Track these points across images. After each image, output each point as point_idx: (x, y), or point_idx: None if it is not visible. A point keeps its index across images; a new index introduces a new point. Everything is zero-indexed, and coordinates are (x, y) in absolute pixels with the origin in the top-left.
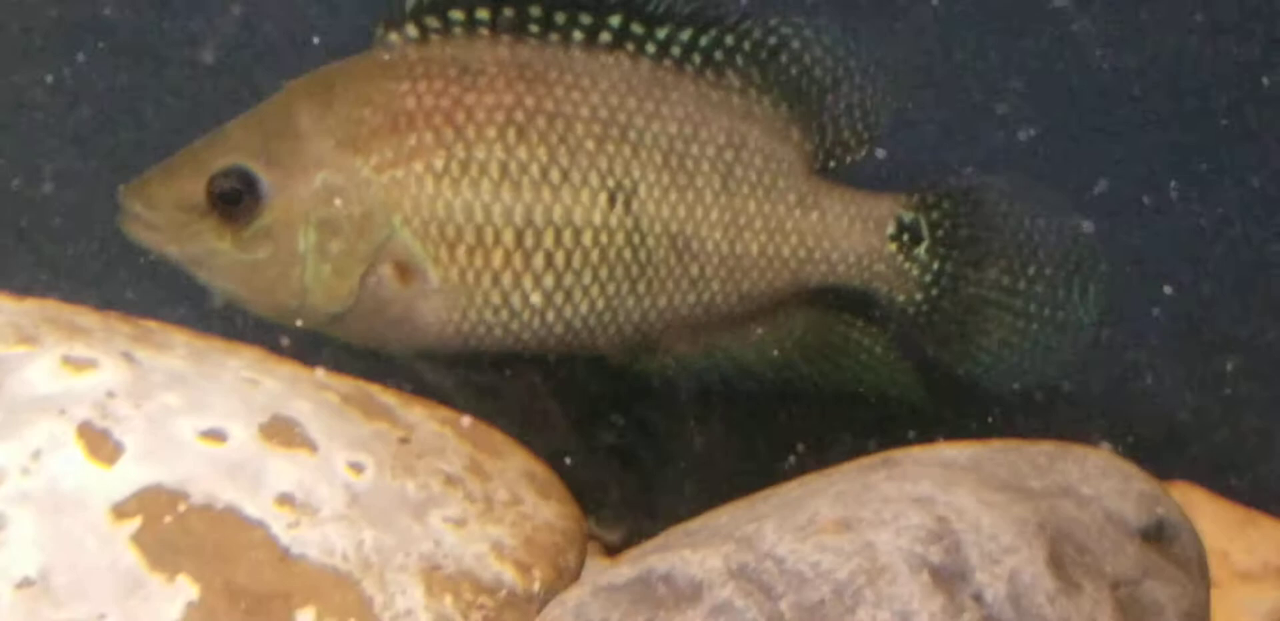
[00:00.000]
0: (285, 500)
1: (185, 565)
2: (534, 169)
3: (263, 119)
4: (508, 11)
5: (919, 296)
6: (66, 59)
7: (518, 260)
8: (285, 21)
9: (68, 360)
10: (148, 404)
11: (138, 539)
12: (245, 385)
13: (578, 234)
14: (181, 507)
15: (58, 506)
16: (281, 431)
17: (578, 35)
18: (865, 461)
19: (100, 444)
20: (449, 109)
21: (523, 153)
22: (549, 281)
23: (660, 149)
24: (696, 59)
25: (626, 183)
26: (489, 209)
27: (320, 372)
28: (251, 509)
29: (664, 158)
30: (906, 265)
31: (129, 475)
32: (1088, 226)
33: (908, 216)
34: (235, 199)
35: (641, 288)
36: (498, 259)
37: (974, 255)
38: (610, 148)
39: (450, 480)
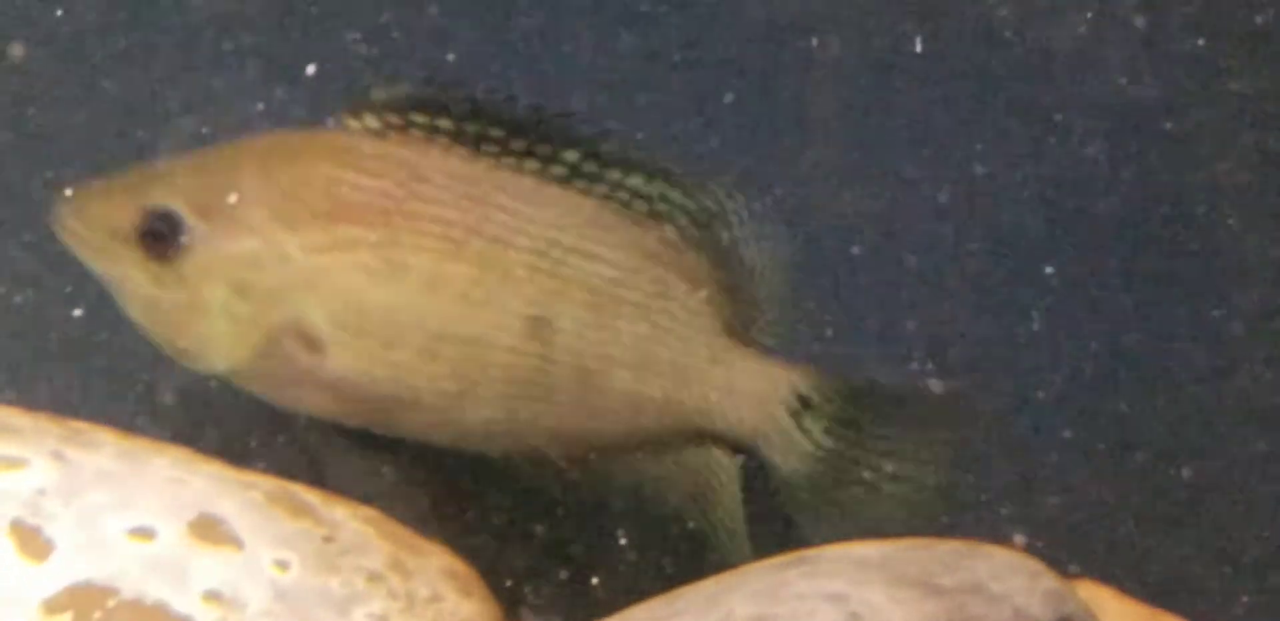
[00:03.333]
0: (212, 596)
1: None
2: (458, 284)
3: (208, 169)
4: (469, 126)
5: (800, 466)
6: None
7: (421, 362)
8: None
9: None
10: (77, 502)
11: None
12: (172, 484)
13: (486, 351)
14: (111, 603)
15: None
16: (209, 529)
17: (531, 164)
18: (780, 559)
19: (31, 540)
20: (390, 211)
21: (450, 268)
22: (448, 386)
23: (587, 288)
24: (640, 207)
25: (546, 314)
26: (404, 312)
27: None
28: (179, 605)
29: (588, 296)
30: (796, 436)
31: (59, 571)
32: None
33: (810, 392)
34: (161, 238)
35: (540, 408)
36: (402, 357)
37: (859, 438)
38: (538, 279)
39: (373, 577)
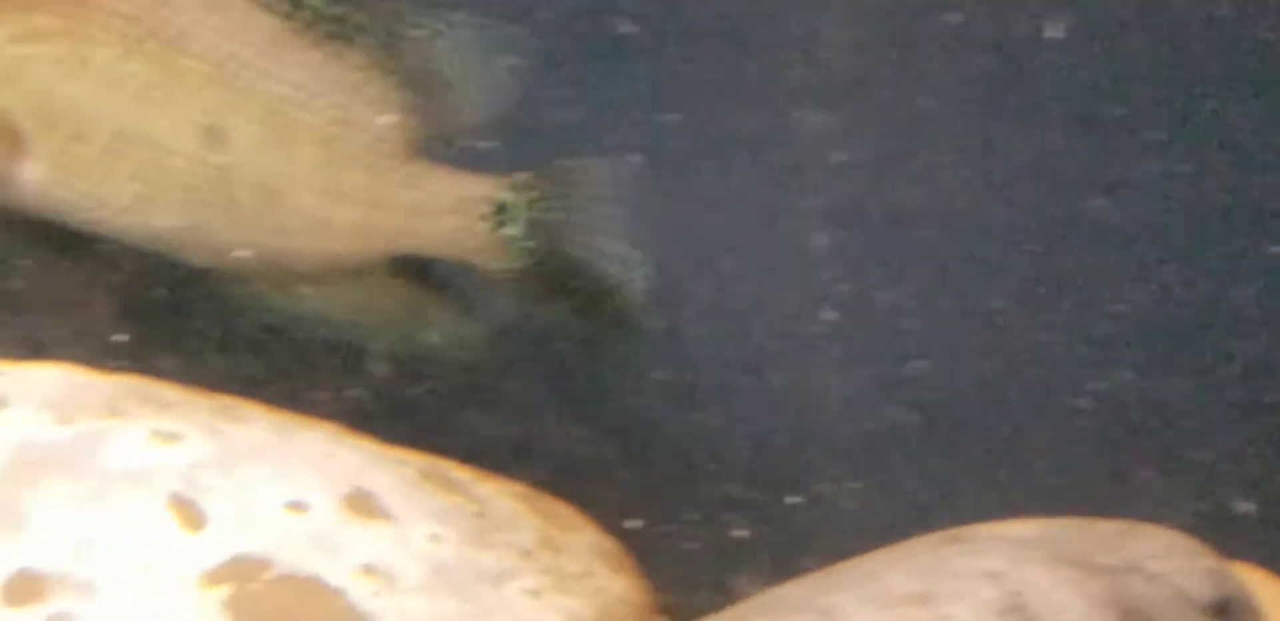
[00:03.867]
0: (367, 569)
1: None
2: (136, 83)
3: None
4: None
5: (507, 267)
6: None
7: (108, 159)
8: None
9: (156, 433)
10: (232, 475)
11: (227, 605)
12: (325, 458)
13: (166, 155)
14: (267, 575)
15: (149, 573)
16: (362, 503)
17: None
18: (934, 537)
19: (188, 513)
20: (79, 2)
21: (132, 65)
22: (134, 188)
23: (263, 106)
24: (325, 28)
25: (221, 124)
26: (88, 105)
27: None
28: (334, 578)
29: (266, 115)
30: (497, 244)
31: (216, 544)
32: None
33: (504, 197)
34: None
35: (223, 220)
36: (91, 153)
37: (559, 232)
38: (213, 89)
39: (524, 553)
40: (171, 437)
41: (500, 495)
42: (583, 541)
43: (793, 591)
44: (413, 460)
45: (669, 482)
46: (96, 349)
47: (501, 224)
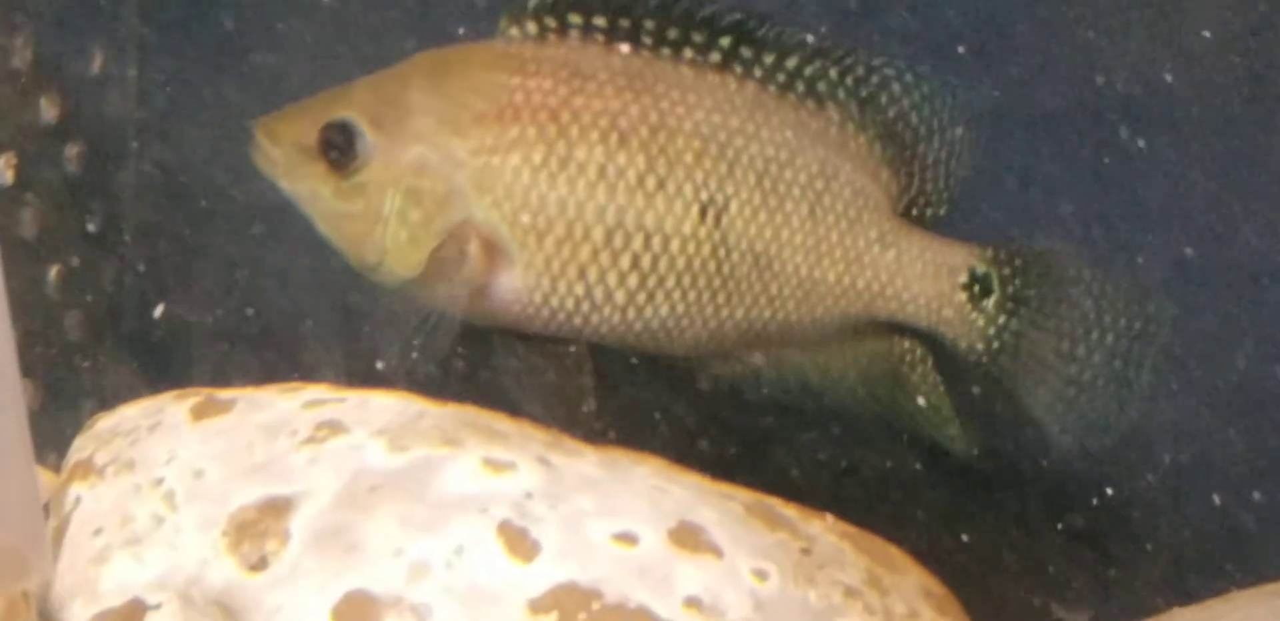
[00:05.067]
0: (693, 603)
1: None
2: (630, 175)
3: (382, 84)
4: (624, 21)
5: (980, 346)
6: None
7: (604, 258)
8: None
9: (488, 462)
10: (562, 506)
11: None
12: (653, 492)
13: (665, 241)
14: (595, 606)
15: (478, 599)
16: (688, 537)
17: (688, 52)
18: (1268, 587)
19: (519, 542)
20: (555, 108)
21: (621, 158)
22: (632, 282)
23: (754, 170)
24: (800, 88)
25: (719, 198)
26: (582, 206)
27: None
28: (661, 610)
29: (757, 178)
30: (973, 314)
31: (545, 572)
32: (1156, 302)
33: (981, 268)
34: (340, 149)
35: (721, 299)
36: (584, 254)
37: (1039, 315)
38: (707, 163)
39: (850, 592)
40: (504, 467)
41: (827, 533)
42: (910, 582)
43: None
44: (739, 495)
45: None
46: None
47: (976, 296)
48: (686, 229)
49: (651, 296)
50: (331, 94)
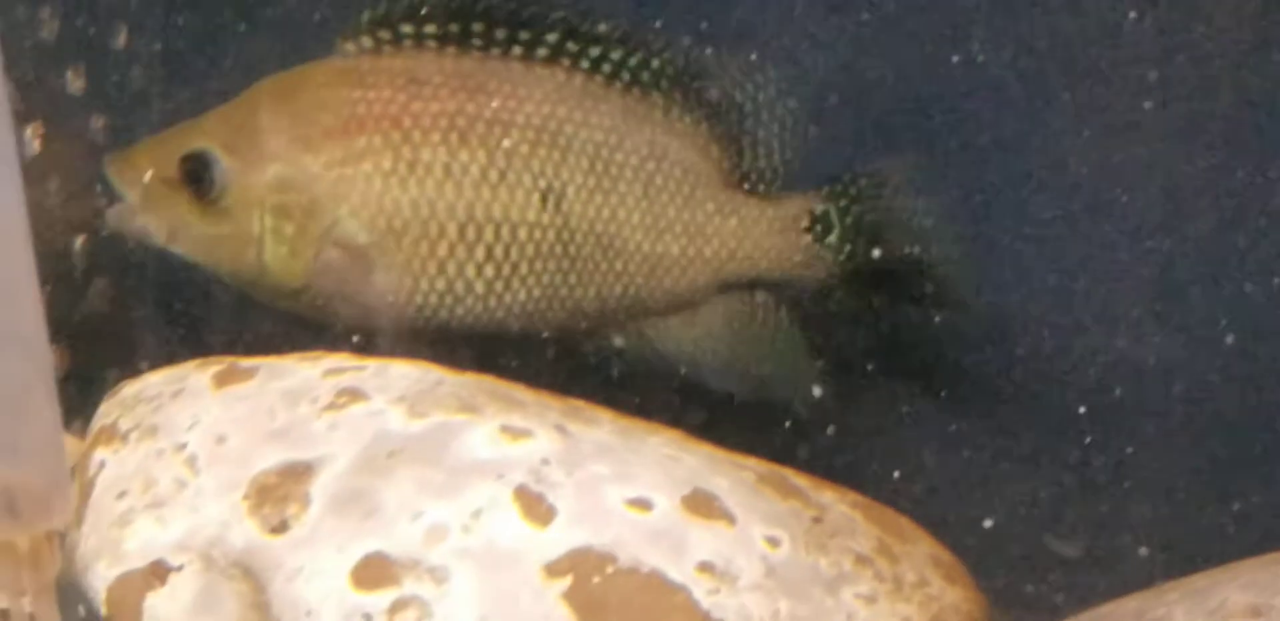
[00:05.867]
0: (706, 567)
1: None
2: (473, 170)
3: (231, 113)
4: (453, 27)
5: (836, 272)
6: None
7: (460, 251)
8: None
9: (505, 429)
10: (578, 472)
11: (568, 596)
12: (667, 460)
13: (513, 229)
14: (609, 569)
15: (495, 562)
16: (702, 504)
17: (516, 50)
18: (1267, 557)
19: (535, 506)
20: (396, 115)
21: (463, 155)
22: (489, 271)
23: (587, 155)
24: (625, 77)
25: (555, 184)
26: (433, 205)
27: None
28: (674, 574)
29: (590, 163)
30: (822, 252)
31: (561, 537)
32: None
33: (819, 208)
34: (200, 178)
35: (573, 279)
36: (442, 250)
37: (876, 232)
38: (541, 152)
39: (860, 559)
40: (521, 434)
41: (838, 503)
42: (919, 551)
43: (1125, 605)
44: (752, 465)
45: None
46: None
47: (823, 234)
48: (531, 216)
49: (508, 283)
50: (182, 127)
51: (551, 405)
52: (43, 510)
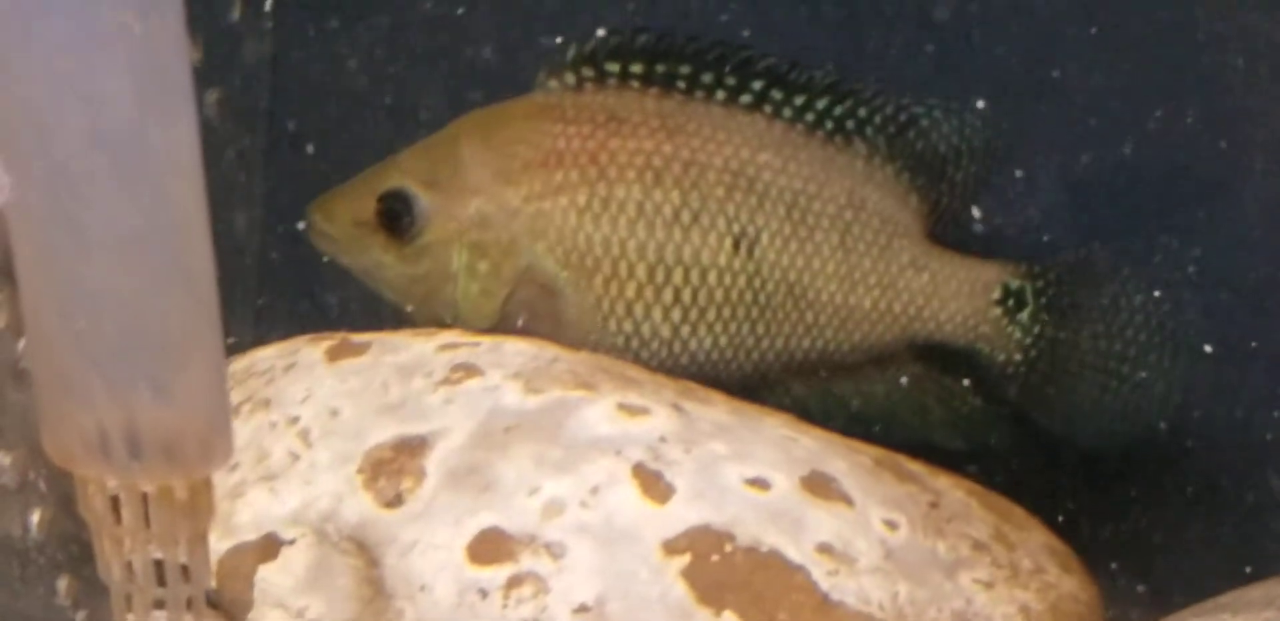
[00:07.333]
0: (824, 549)
1: (731, 601)
2: (666, 210)
3: (430, 149)
4: (658, 68)
5: (1019, 357)
6: None
7: (649, 293)
8: None
9: (622, 406)
10: (696, 450)
11: (686, 574)
12: (784, 441)
13: (703, 273)
14: (728, 547)
15: (612, 539)
16: (820, 485)
17: (720, 95)
18: None
19: (653, 484)
20: (594, 151)
21: (657, 195)
22: (675, 315)
23: (784, 202)
24: (828, 125)
25: (750, 230)
26: (624, 243)
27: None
28: (793, 554)
29: (787, 210)
30: (1010, 328)
31: (679, 514)
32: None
33: (1015, 283)
34: (398, 217)
35: (760, 329)
36: (630, 290)
37: (1073, 321)
38: (738, 196)
39: (977, 545)
40: (638, 412)
41: (954, 489)
42: (1035, 540)
43: (1249, 594)
44: (867, 449)
45: None
46: None
47: (1015, 309)
48: (721, 261)
49: (694, 329)
50: (377, 167)
51: (667, 384)
52: (203, 455)
